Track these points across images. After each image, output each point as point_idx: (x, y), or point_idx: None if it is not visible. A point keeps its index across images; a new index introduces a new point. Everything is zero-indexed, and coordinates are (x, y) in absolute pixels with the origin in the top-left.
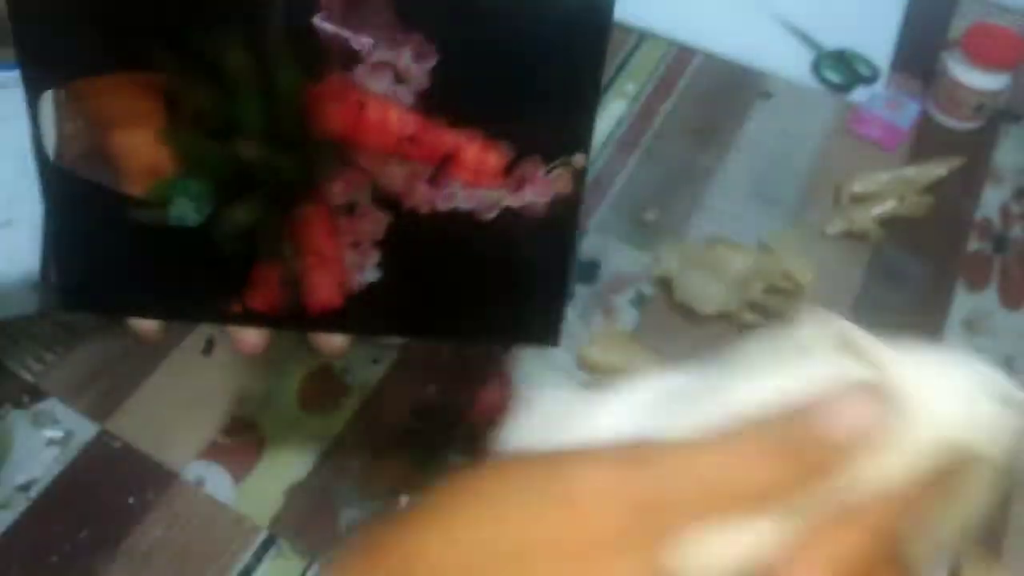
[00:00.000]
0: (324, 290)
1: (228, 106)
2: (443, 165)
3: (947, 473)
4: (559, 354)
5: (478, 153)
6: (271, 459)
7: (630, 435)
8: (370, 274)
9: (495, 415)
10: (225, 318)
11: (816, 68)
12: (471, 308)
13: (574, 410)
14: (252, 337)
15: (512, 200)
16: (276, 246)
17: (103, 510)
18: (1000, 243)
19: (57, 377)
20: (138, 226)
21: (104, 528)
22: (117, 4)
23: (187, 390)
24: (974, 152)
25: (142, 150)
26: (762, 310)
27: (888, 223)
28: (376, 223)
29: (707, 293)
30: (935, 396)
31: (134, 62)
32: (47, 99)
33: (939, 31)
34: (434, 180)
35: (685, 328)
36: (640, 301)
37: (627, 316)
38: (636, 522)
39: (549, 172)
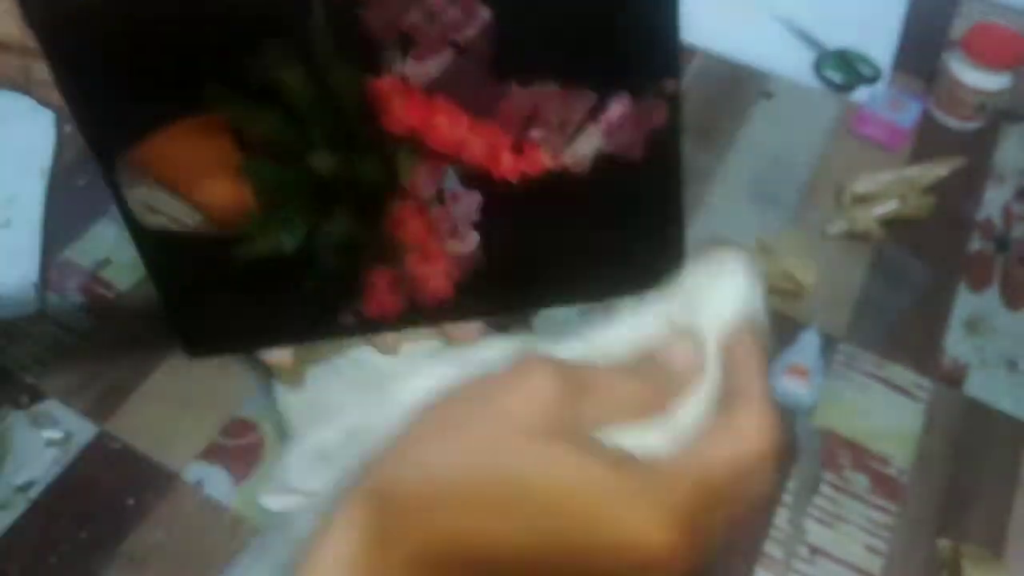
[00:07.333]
0: (434, 282)
1: (293, 124)
2: (524, 128)
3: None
4: None
5: (560, 106)
6: (271, 460)
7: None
8: (475, 256)
9: None
10: (346, 331)
11: (817, 68)
12: (585, 268)
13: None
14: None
15: (605, 145)
16: (376, 251)
17: (103, 511)
18: (1002, 243)
19: (56, 378)
20: (242, 264)
21: (103, 529)
22: (158, 46)
23: (187, 391)
24: (976, 152)
25: (223, 193)
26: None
27: (890, 223)
28: (468, 204)
29: None
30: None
31: (190, 104)
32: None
33: (940, 31)
34: (517, 146)
35: None
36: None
37: None
38: (572, 415)
39: (639, 106)
